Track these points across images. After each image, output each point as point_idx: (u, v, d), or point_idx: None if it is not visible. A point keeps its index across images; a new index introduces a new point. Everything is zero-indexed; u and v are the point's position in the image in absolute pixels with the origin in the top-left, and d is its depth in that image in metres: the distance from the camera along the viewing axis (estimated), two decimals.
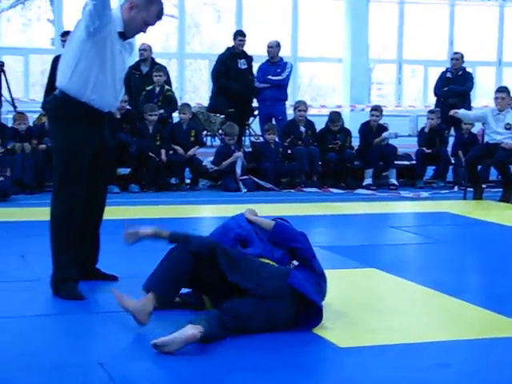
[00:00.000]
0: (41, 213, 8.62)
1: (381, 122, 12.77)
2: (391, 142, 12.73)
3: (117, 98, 5.37)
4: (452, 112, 11.53)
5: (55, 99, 5.30)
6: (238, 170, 11.58)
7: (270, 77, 13.22)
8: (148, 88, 12.25)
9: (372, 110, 13.05)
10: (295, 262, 4.81)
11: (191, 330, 4.13)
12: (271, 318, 4.44)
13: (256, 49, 14.23)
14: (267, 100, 13.25)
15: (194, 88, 21.70)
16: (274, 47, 13.41)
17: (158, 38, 17.54)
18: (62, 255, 5.17)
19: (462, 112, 11.63)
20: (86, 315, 4.83)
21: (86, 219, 5.34)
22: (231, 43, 13.08)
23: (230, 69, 12.94)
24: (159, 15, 5.20)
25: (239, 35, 13.17)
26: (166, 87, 12.41)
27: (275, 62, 13.38)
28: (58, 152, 5.31)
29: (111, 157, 5.76)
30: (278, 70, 13.29)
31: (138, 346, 4.30)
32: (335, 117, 12.76)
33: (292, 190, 11.80)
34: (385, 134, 12.50)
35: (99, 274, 5.60)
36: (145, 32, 5.29)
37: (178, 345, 4.07)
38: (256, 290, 4.43)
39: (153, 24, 5.22)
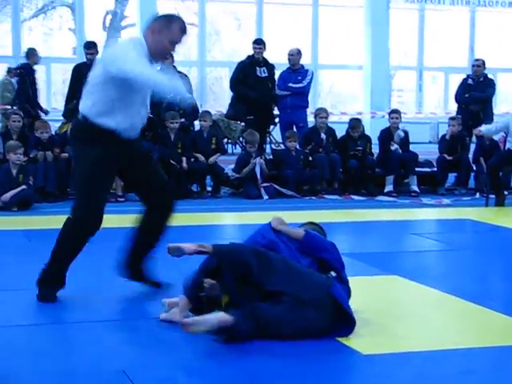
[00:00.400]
0: (63, 220, 8.71)
1: (401, 127, 12.74)
2: (412, 148, 12.71)
3: (141, 123, 5.35)
4: (476, 132, 11.62)
5: (77, 122, 5.39)
6: (258, 175, 11.59)
7: (291, 84, 13.22)
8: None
9: (391, 113, 13.05)
10: (333, 273, 4.79)
11: (225, 317, 4.16)
12: (306, 325, 4.42)
13: (277, 56, 14.24)
14: (288, 107, 13.25)
15: (215, 96, 21.75)
16: (295, 55, 13.43)
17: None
18: (58, 263, 5.31)
19: (484, 130, 11.62)
20: (104, 323, 4.85)
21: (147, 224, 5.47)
22: (251, 51, 13.11)
23: (249, 76, 12.96)
24: (183, 31, 5.20)
25: (255, 43, 13.20)
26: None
27: (296, 70, 13.39)
28: (78, 172, 5.42)
29: (150, 166, 5.61)
30: (299, 78, 13.29)
31: (160, 354, 4.31)
32: (355, 123, 12.76)
33: (313, 197, 11.79)
34: (398, 132, 12.52)
35: (145, 278, 5.61)
36: (174, 51, 5.32)
37: (207, 326, 4.09)
38: (298, 295, 4.42)
39: (179, 41, 5.21)
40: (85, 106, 5.21)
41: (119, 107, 5.09)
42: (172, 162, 11.48)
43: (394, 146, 12.41)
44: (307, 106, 13.62)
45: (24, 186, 10.32)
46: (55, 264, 5.30)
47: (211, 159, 11.79)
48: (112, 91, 5.04)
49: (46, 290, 5.25)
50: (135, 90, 5.06)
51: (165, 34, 5.15)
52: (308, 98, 13.67)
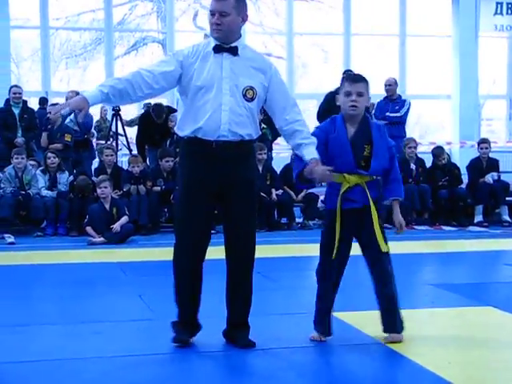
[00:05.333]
0: (156, 253, 8.90)
1: (492, 157, 12.62)
2: (503, 178, 12.56)
3: (223, 120, 4.78)
4: None
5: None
6: None
7: (388, 114, 13.24)
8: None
9: (480, 143, 12.94)
10: None
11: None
12: None
13: None
14: None
15: None
16: (392, 84, 13.50)
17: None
18: (177, 298, 5.04)
19: None
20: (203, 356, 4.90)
21: (230, 268, 5.05)
22: (339, 83, 13.12)
23: (336, 107, 12.97)
24: None
25: (344, 74, 13.26)
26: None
27: (393, 99, 13.42)
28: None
29: (241, 195, 4.95)
30: (397, 107, 13.31)
31: None
32: (438, 151, 12.74)
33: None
34: (487, 176, 12.37)
35: (236, 339, 5.01)
36: (214, 23, 4.80)
37: None
38: None
39: (211, 8, 4.85)
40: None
41: (194, 111, 4.91)
42: (262, 194, 11.58)
43: (490, 179, 12.31)
44: (404, 136, 13.49)
45: (126, 217, 10.54)
46: (176, 301, 5.07)
47: (300, 196, 11.86)
48: (186, 94, 4.94)
49: (177, 333, 4.98)
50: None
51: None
52: (405, 127, 13.62)
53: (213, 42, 4.88)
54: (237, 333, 4.98)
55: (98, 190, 10.66)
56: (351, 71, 13.58)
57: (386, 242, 5.05)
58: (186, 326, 4.98)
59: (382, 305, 5.04)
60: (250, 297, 5.02)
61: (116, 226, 10.36)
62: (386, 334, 5.02)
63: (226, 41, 4.85)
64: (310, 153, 4.89)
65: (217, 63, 4.83)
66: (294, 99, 5.10)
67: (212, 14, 4.84)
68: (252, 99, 4.85)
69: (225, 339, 5.03)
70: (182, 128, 4.93)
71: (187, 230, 4.88)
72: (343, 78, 5.21)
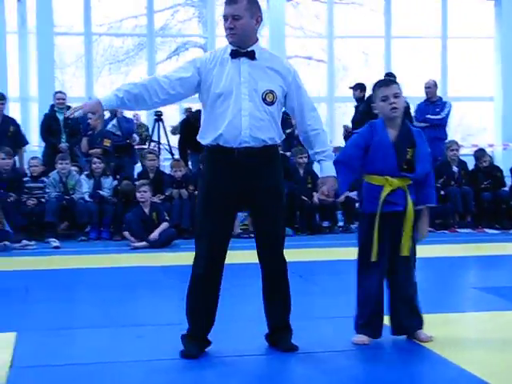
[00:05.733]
0: None
1: None
2: None
3: (243, 126, 4.72)
4: None
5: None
6: None
7: (429, 116, 13.20)
8: (288, 131, 12.30)
9: None
10: None
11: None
12: None
13: (406, 89, 14.19)
14: (427, 140, 13.17)
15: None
16: (432, 87, 13.44)
17: (307, 83, 17.80)
18: (188, 310, 4.95)
19: None
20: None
21: (264, 274, 4.97)
22: None
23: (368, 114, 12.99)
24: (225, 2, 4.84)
25: (386, 76, 13.22)
26: None
27: (434, 102, 13.37)
28: None
29: (266, 204, 4.83)
30: (437, 110, 13.26)
31: None
32: (480, 153, 12.68)
33: (446, 231, 11.69)
34: None
35: (279, 342, 4.99)
36: (228, 28, 4.75)
37: None
38: None
39: (224, 13, 4.80)
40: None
41: (214, 118, 4.85)
42: (303, 197, 11.60)
43: None
44: (445, 138, 13.44)
45: (166, 223, 10.62)
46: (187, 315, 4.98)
47: (341, 197, 11.82)
48: (206, 103, 4.90)
49: (185, 347, 4.88)
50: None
51: None
52: (446, 130, 13.57)
53: (230, 48, 4.82)
54: (279, 336, 4.97)
55: (138, 195, 10.74)
56: (392, 74, 13.56)
57: (414, 245, 5.11)
58: (196, 340, 4.88)
59: (404, 305, 5.08)
60: (288, 299, 4.98)
61: (155, 234, 10.44)
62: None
63: (242, 45, 4.78)
64: (327, 168, 4.94)
65: (235, 68, 4.77)
66: (312, 104, 5.00)
67: (225, 18, 4.79)
68: (272, 103, 4.77)
69: (267, 343, 5.03)
70: (204, 136, 4.87)
71: (205, 240, 4.79)
72: (375, 86, 5.19)
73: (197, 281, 4.85)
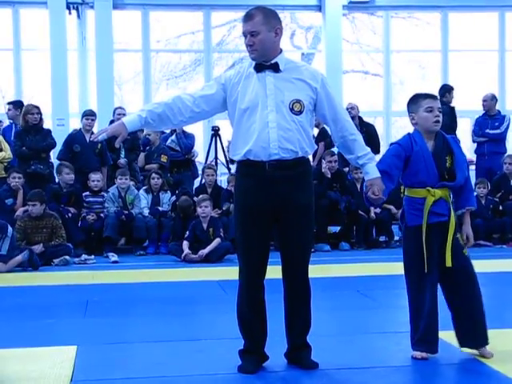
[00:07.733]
0: None
1: None
2: None
3: (272, 138, 4.67)
4: None
5: None
6: None
7: (488, 130, 13.11)
8: None
9: None
10: None
11: None
12: None
13: (462, 103, 14.13)
14: (485, 154, 13.11)
15: None
16: (489, 100, 13.33)
17: (363, 97, 17.78)
18: (241, 327, 4.98)
19: None
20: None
21: (287, 292, 4.92)
22: None
23: None
24: (242, 19, 4.91)
25: (442, 89, 13.18)
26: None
27: (492, 116, 13.27)
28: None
29: (296, 221, 4.78)
30: (496, 124, 13.16)
31: None
32: None
33: (504, 246, 11.58)
34: None
35: (300, 360, 4.95)
36: (247, 45, 4.79)
37: None
38: None
39: (242, 31, 4.88)
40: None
41: (242, 133, 4.83)
42: (360, 212, 11.60)
43: None
44: (505, 152, 13.31)
45: (218, 240, 10.70)
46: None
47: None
48: (233, 117, 4.90)
49: (243, 362, 4.91)
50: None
51: None
52: (505, 144, 13.46)
53: (254, 62, 4.81)
54: (299, 354, 4.92)
55: (199, 210, 10.84)
56: (448, 85, 13.50)
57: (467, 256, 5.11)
58: (252, 354, 4.90)
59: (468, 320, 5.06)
60: (308, 318, 4.93)
61: (204, 251, 10.53)
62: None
63: (264, 59, 4.76)
64: (373, 170, 4.92)
65: (260, 82, 4.75)
66: (344, 109, 4.99)
67: (244, 35, 4.81)
68: (300, 112, 4.71)
69: (286, 360, 4.99)
70: (234, 152, 4.87)
71: (243, 254, 4.84)
72: (418, 97, 5.19)
73: (240, 294, 4.89)
